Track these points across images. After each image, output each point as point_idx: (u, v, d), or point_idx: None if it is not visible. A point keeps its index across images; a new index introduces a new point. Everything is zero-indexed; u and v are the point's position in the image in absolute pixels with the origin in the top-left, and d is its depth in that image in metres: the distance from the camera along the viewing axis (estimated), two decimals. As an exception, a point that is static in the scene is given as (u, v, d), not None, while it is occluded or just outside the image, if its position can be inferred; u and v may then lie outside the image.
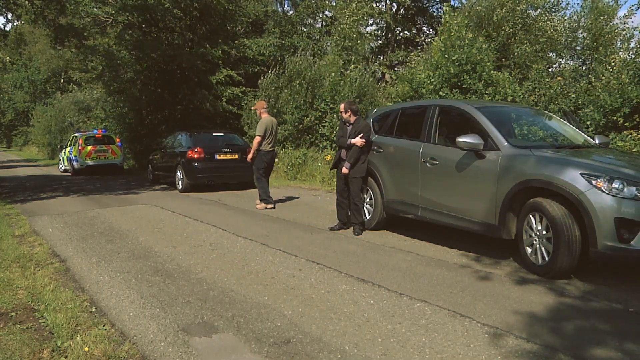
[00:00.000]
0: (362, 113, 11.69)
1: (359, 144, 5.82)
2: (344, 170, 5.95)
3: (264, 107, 8.33)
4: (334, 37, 16.02)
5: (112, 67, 16.46)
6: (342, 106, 6.17)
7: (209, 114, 15.82)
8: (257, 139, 7.99)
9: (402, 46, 22.79)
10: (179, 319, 3.30)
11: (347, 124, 6.07)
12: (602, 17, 11.20)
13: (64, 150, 18.75)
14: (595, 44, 11.06)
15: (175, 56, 15.22)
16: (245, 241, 5.64)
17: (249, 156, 8.34)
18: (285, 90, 13.93)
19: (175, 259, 4.87)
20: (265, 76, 14.70)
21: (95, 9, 15.23)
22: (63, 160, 18.62)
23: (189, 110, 16.13)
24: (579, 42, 11.99)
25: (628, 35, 11.18)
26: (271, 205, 8.10)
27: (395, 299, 3.62)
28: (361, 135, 5.83)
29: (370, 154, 6.06)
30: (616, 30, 11.13)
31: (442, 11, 12.54)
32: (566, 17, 12.38)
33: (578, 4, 33.57)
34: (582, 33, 11.92)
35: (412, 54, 17.29)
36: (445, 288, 3.86)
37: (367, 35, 19.13)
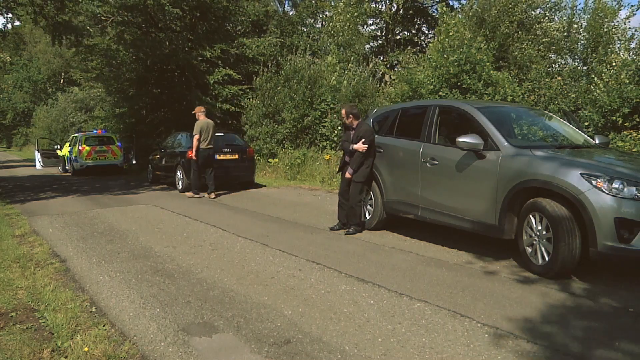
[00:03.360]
0: (362, 113, 11.74)
1: (360, 149, 5.78)
2: (347, 175, 5.95)
3: (201, 111, 9.70)
4: (328, 28, 16.03)
5: (112, 67, 16.45)
6: (343, 111, 6.14)
7: (208, 114, 15.80)
8: (196, 137, 9.33)
9: (402, 46, 22.81)
10: (179, 319, 3.30)
11: (350, 129, 6.04)
12: (603, 18, 11.19)
13: (58, 151, 18.94)
14: (594, 43, 11.05)
15: (173, 55, 15.21)
16: (245, 241, 5.64)
17: (192, 153, 9.51)
18: (279, 88, 13.94)
19: (175, 259, 4.87)
20: (260, 75, 14.74)
21: (94, 7, 15.21)
22: (39, 159, 18.86)
23: (188, 110, 16.14)
24: (578, 43, 11.98)
25: (628, 35, 11.19)
26: (198, 196, 9.60)
27: (395, 299, 3.62)
28: (362, 140, 5.80)
29: (371, 154, 6.05)
30: (614, 30, 11.12)
31: (442, 10, 12.52)
32: (564, 17, 12.35)
33: (580, 4, 33.60)
34: (582, 33, 11.91)
35: (406, 50, 17.29)
36: (445, 288, 3.86)
37: (365, 34, 19.13)
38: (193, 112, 9.94)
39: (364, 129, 5.89)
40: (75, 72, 24.69)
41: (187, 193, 9.77)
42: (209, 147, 9.48)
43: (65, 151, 18.18)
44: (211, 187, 9.63)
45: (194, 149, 9.41)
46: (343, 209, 6.19)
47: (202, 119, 9.53)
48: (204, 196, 9.60)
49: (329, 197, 9.26)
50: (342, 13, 16.35)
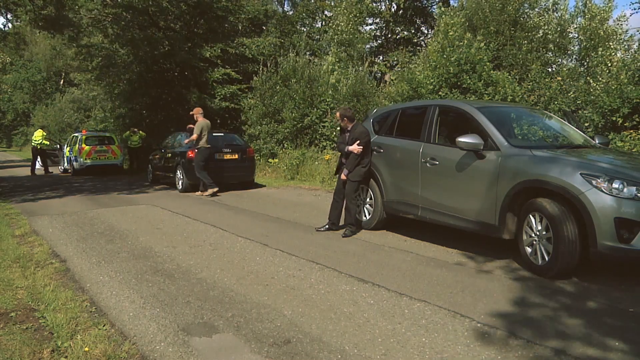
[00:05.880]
0: (362, 113, 11.73)
1: (355, 151, 5.80)
2: (343, 176, 5.97)
3: (200, 112, 10.09)
4: (331, 27, 16.05)
5: (111, 67, 16.44)
6: (337, 114, 6.15)
7: (206, 113, 15.82)
8: (195, 136, 9.79)
9: (402, 46, 22.83)
10: (179, 319, 3.30)
11: (346, 131, 6.06)
12: (595, 19, 11.20)
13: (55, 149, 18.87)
14: (592, 42, 11.05)
15: (172, 55, 15.20)
16: (245, 241, 5.64)
17: (192, 153, 10.02)
18: (278, 88, 13.94)
19: (175, 259, 4.87)
20: (258, 75, 14.74)
21: (94, 5, 15.20)
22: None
23: (188, 110, 16.15)
24: (573, 42, 11.98)
25: (627, 36, 11.20)
26: (216, 189, 9.75)
27: (395, 299, 3.62)
28: (357, 142, 5.82)
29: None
30: (612, 30, 11.12)
31: (441, 10, 12.52)
32: (555, 17, 12.33)
33: (571, 5, 33.55)
34: (575, 33, 11.92)
35: (405, 50, 17.31)
36: (445, 288, 3.86)
37: (365, 33, 19.16)
38: (191, 113, 10.27)
39: (359, 131, 5.89)
40: (75, 75, 24.68)
41: (205, 193, 9.78)
42: (209, 145, 9.91)
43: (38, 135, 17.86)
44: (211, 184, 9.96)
45: (192, 148, 9.93)
46: (336, 209, 6.19)
47: (201, 119, 9.91)
48: (216, 192, 9.78)
49: (329, 197, 9.23)
50: (344, 13, 16.39)
